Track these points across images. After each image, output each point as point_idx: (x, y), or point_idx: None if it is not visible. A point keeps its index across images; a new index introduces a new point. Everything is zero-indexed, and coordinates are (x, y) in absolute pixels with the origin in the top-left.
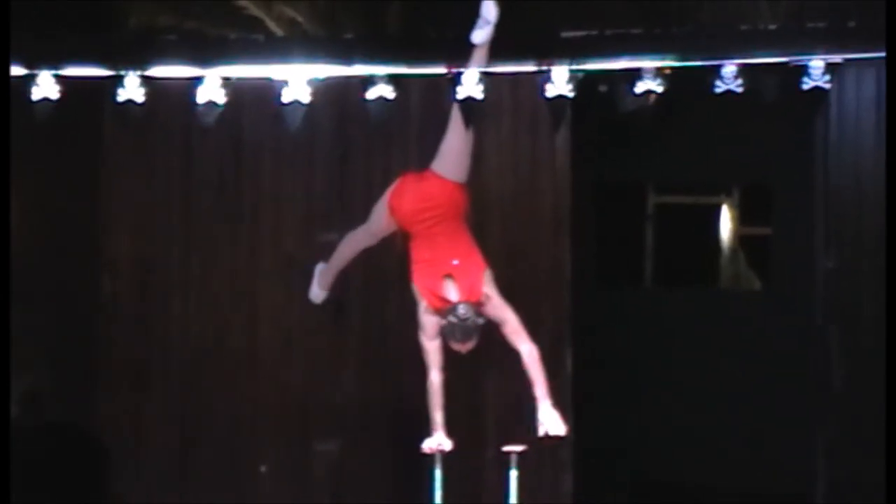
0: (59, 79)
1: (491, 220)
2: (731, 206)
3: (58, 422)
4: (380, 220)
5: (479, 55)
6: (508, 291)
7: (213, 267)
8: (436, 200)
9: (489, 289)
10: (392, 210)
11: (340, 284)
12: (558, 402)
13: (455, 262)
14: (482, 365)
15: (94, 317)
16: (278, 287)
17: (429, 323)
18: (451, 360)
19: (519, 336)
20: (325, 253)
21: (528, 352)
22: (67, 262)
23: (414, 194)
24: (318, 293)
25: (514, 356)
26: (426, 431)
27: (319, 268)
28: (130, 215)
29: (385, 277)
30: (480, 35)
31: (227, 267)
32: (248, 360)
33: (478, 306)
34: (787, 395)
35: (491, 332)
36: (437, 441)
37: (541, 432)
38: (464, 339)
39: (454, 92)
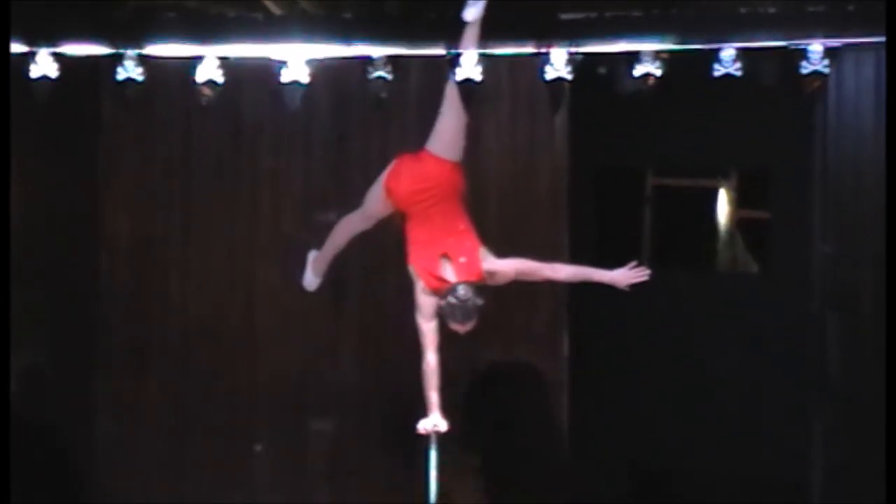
0: (58, 57)
1: (489, 202)
2: (729, 190)
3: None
4: (376, 204)
5: (471, 33)
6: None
7: (211, 247)
8: (434, 181)
9: (489, 264)
10: (389, 192)
11: (338, 266)
12: (555, 386)
13: (451, 241)
14: (479, 346)
15: (92, 296)
16: (276, 268)
17: (426, 304)
18: (447, 341)
19: (547, 269)
20: (323, 234)
21: (564, 268)
22: (65, 241)
23: (411, 175)
24: (312, 280)
25: (511, 337)
26: (422, 413)
27: (312, 255)
28: (128, 194)
29: (383, 258)
30: (472, 12)
31: (225, 247)
32: (246, 340)
33: (480, 284)
34: (783, 379)
35: (488, 312)
36: (433, 422)
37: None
38: (464, 320)
39: (453, 73)
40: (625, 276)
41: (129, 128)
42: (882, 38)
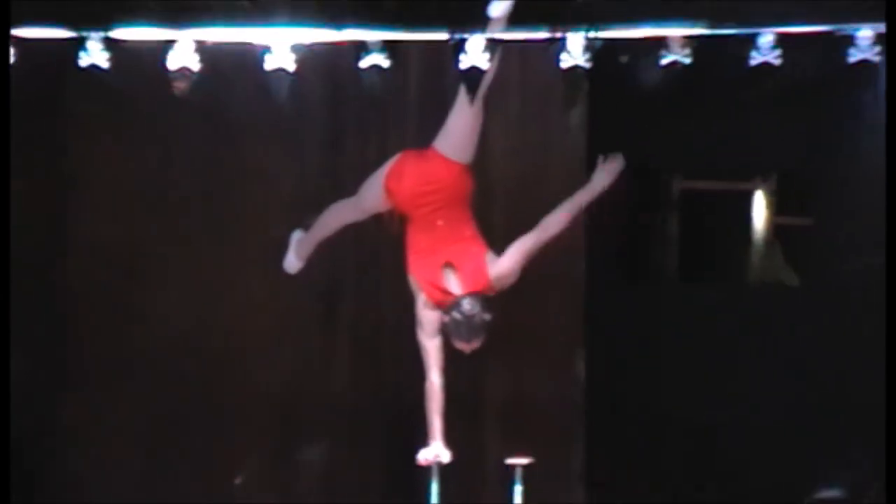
0: (15, 41)
1: (497, 206)
2: (766, 194)
3: None
4: (372, 199)
5: (495, 30)
6: (515, 287)
7: (190, 253)
8: (439, 183)
9: (496, 269)
10: (389, 192)
11: (330, 270)
12: (569, 413)
13: (455, 248)
14: (485, 365)
15: (61, 307)
16: (263, 277)
17: (428, 319)
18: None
19: (542, 233)
20: None
21: (555, 218)
22: (32, 248)
23: (415, 176)
24: (294, 263)
25: (519, 356)
26: (423, 437)
27: (297, 236)
28: (101, 194)
29: (380, 265)
30: (499, 7)
31: (206, 253)
32: (232, 353)
33: (488, 295)
34: (823, 402)
35: (495, 329)
36: (435, 452)
37: None
38: (470, 338)
39: (457, 61)
40: (608, 173)
41: (96, 122)
42: None
